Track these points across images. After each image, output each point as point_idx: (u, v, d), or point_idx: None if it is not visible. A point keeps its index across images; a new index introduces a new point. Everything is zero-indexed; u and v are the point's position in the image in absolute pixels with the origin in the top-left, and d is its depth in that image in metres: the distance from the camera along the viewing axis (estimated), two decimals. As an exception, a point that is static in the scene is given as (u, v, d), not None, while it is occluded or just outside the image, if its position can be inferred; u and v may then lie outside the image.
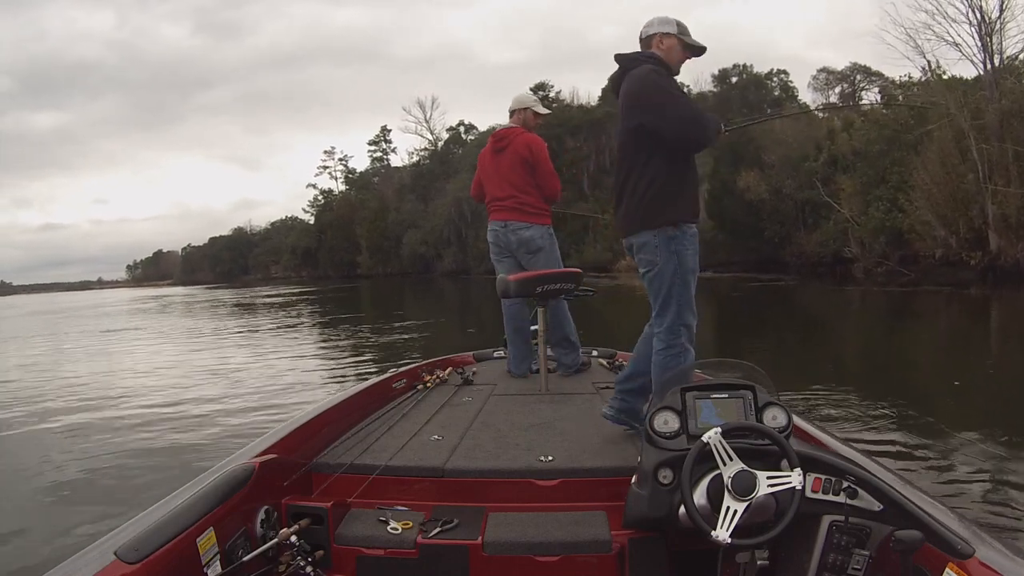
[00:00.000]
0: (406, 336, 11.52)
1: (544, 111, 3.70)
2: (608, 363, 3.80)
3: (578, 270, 3.37)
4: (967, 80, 20.45)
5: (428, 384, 3.30)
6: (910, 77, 23.55)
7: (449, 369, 3.60)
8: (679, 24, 2.31)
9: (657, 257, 2.24)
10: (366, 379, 3.53)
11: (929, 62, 21.22)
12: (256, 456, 1.91)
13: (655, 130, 2.20)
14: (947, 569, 1.33)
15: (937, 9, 19.98)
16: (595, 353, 3.92)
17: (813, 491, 1.59)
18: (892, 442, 4.21)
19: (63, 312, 32.15)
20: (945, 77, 20.72)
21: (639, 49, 2.36)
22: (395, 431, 2.50)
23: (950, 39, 20.08)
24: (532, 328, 3.53)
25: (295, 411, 2.78)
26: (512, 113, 3.67)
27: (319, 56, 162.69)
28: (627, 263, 31.54)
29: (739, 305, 16.14)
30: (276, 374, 8.14)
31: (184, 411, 6.10)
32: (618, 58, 2.36)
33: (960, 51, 20.02)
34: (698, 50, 2.37)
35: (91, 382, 8.42)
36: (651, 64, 2.27)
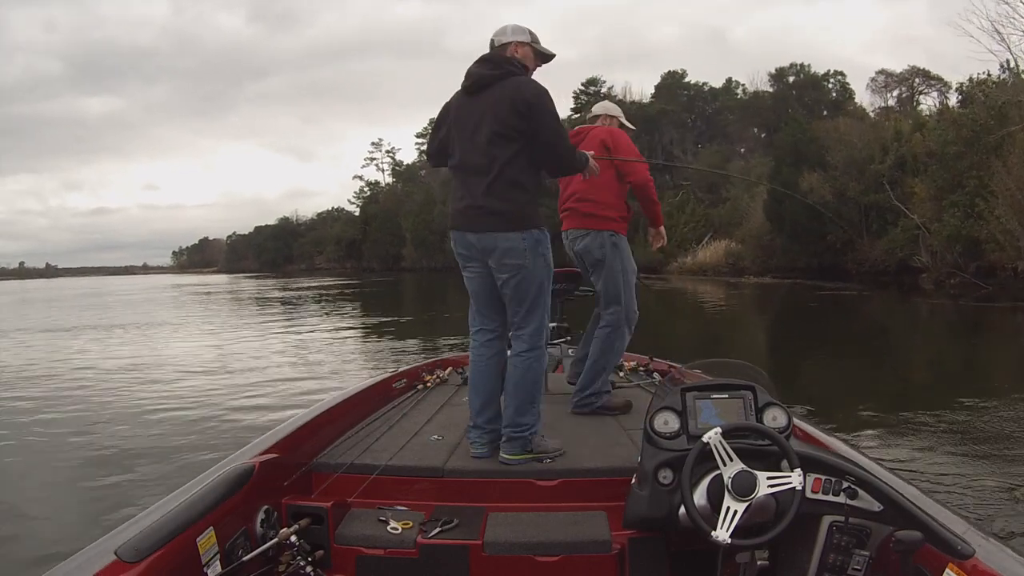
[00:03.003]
0: (453, 341, 10.54)
1: (631, 127, 3.32)
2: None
3: (578, 270, 3.32)
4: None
5: (428, 384, 3.32)
6: (989, 74, 22.02)
7: (449, 369, 3.61)
8: (531, 33, 2.36)
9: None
10: (367, 379, 3.48)
11: (1013, 56, 19.81)
12: (256, 456, 1.92)
13: (547, 146, 2.22)
14: (947, 569, 1.32)
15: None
16: None
17: (813, 491, 1.58)
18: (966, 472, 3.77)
19: (62, 300, 30.56)
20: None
21: (488, 52, 2.34)
22: (395, 431, 2.51)
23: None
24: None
25: (296, 411, 2.72)
26: (596, 119, 3.28)
27: (374, 48, 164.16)
28: (678, 265, 30.68)
29: (819, 317, 14.76)
30: (293, 376, 7.63)
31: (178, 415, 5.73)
32: (491, 59, 2.30)
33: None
34: (548, 57, 2.42)
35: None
36: (529, 77, 2.28)
